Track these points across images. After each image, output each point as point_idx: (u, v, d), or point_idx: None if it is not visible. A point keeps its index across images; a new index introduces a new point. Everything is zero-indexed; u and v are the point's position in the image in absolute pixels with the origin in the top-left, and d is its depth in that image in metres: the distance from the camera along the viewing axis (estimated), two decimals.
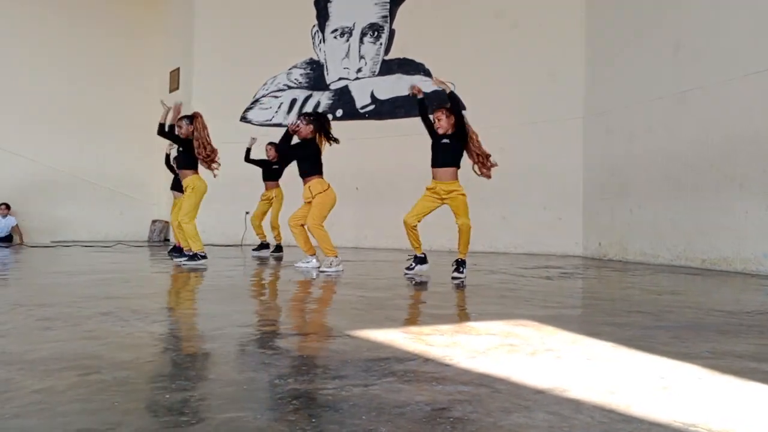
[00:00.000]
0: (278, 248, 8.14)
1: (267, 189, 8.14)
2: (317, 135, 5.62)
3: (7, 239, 11.22)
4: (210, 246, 10.50)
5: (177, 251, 7.21)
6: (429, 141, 5.12)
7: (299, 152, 5.65)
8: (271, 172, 8.07)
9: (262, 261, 7.17)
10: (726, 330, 2.62)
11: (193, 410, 1.42)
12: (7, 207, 11.32)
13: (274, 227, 8.07)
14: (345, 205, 10.71)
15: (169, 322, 2.71)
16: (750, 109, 6.01)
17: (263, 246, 8.22)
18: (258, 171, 8.19)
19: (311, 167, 5.59)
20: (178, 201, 7.40)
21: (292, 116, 11.44)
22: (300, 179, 5.75)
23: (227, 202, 9.82)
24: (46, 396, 1.51)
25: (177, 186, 7.87)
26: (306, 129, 5.55)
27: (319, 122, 5.62)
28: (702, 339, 2.40)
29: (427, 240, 5.98)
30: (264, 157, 8.12)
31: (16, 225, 11.39)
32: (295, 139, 5.66)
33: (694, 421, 1.39)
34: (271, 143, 8.06)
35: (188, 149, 6.14)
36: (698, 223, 6.59)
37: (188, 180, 6.18)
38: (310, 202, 5.61)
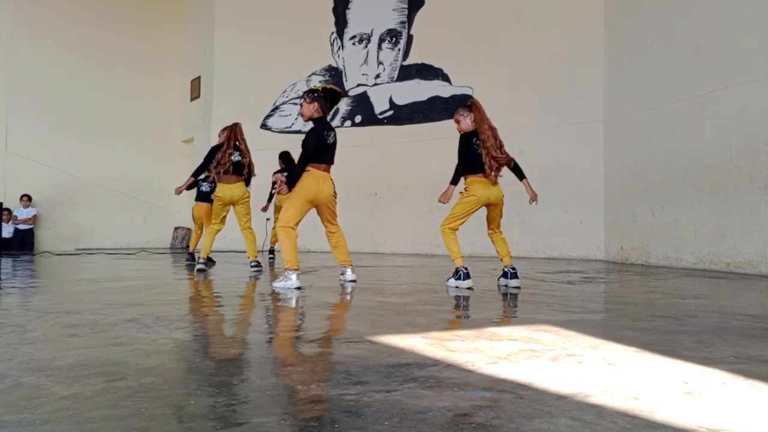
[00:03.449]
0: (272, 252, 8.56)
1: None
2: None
3: (29, 235, 11.58)
4: (232, 252, 10.59)
5: (193, 257, 7.32)
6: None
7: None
8: None
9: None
10: (751, 334, 2.59)
11: (218, 416, 1.44)
12: (29, 198, 11.71)
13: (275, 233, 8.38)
14: (364, 211, 10.80)
15: (192, 329, 2.74)
16: None
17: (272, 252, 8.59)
18: None
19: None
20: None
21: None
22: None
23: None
24: (73, 402, 1.54)
25: (202, 197, 7.97)
26: None
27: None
28: (726, 343, 2.37)
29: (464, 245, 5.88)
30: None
31: (36, 215, 11.81)
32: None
33: (719, 427, 1.37)
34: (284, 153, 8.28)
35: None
36: (721, 226, 6.50)
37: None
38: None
